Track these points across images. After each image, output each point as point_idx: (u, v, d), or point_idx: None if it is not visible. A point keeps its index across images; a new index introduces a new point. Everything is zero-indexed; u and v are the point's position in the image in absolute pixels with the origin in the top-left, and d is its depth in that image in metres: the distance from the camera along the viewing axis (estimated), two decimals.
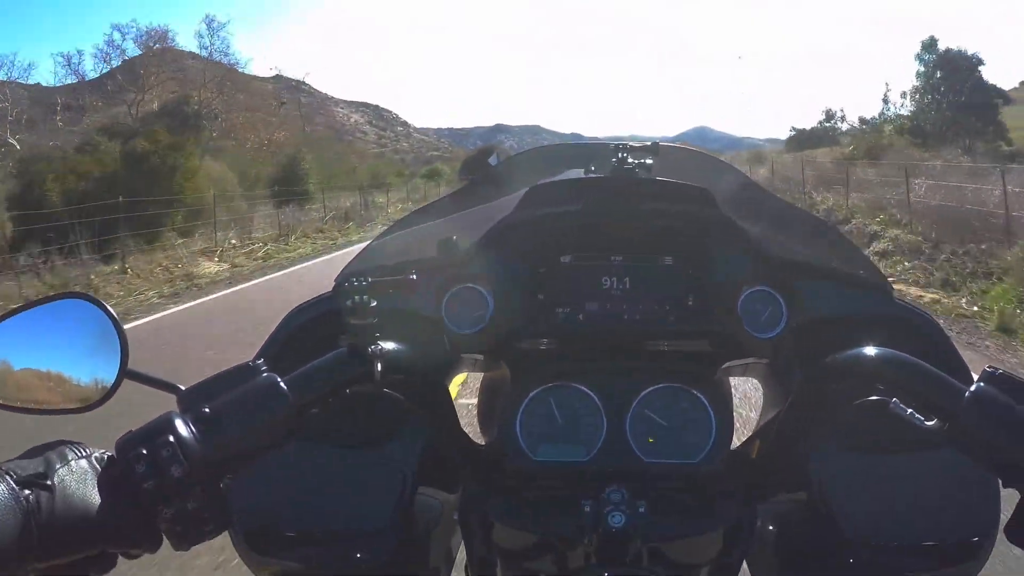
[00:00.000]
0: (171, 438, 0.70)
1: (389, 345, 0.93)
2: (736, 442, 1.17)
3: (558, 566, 1.02)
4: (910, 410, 0.82)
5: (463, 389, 5.01)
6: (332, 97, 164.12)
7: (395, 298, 0.97)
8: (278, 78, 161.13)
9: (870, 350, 0.90)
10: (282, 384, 0.80)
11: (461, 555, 1.17)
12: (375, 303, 0.89)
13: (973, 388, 0.78)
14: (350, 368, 0.88)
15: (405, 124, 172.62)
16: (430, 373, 1.11)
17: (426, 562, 1.11)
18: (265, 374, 0.82)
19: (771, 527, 1.11)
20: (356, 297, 0.88)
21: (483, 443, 1.23)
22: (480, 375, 1.42)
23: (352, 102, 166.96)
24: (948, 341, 1.12)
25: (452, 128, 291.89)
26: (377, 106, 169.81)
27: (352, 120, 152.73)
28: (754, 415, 1.43)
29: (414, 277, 0.94)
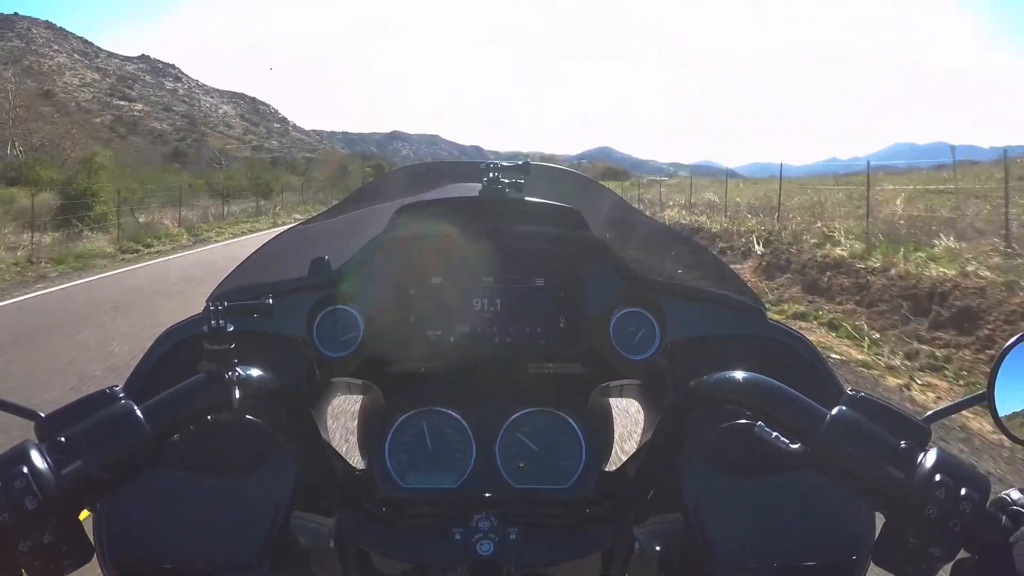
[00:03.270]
0: (24, 469, 0.69)
1: (250, 371, 0.91)
2: (620, 462, 1.21)
3: None
4: (775, 433, 0.82)
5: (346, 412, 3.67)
6: (204, 85, 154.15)
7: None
8: (144, 58, 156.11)
9: (736, 374, 0.90)
10: (138, 412, 0.78)
11: None
12: (232, 328, 0.85)
13: (834, 412, 0.79)
14: (207, 395, 0.85)
15: (284, 121, 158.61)
16: (294, 399, 1.08)
17: None
18: (122, 402, 0.80)
19: (655, 546, 1.05)
20: (213, 322, 0.84)
21: (361, 469, 1.21)
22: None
23: (226, 92, 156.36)
24: (821, 359, 1.12)
25: (347, 132, 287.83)
26: (254, 99, 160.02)
27: (220, 111, 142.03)
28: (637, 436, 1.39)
29: (270, 302, 0.92)
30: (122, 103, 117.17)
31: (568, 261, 1.18)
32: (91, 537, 0.84)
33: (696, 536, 0.95)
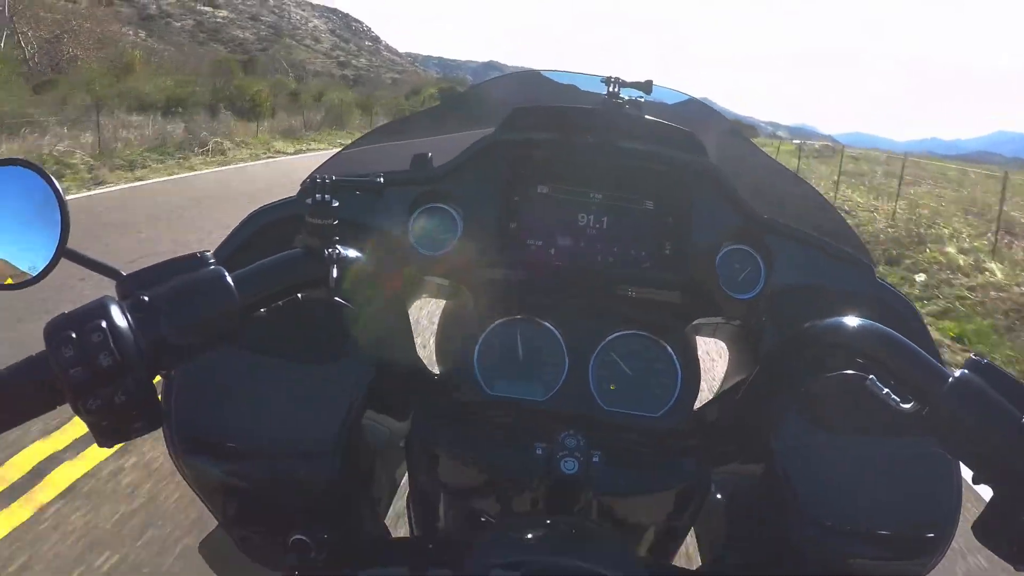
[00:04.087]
0: (103, 323, 0.64)
1: (349, 252, 0.87)
2: (698, 403, 1.13)
3: (502, 508, 0.98)
4: (887, 389, 0.76)
5: (422, 319, 4.48)
6: None
7: (360, 207, 1.01)
8: None
9: (852, 320, 0.85)
10: (228, 279, 0.72)
11: (405, 487, 1.15)
12: (337, 204, 0.81)
13: (958, 373, 0.73)
14: (304, 270, 0.80)
15: (376, 40, 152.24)
16: (390, 290, 1.03)
17: (369, 490, 1.06)
18: (212, 266, 0.73)
19: (721, 495, 1.08)
20: (318, 195, 0.81)
21: (438, 374, 1.20)
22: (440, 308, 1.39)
23: (319, 6, 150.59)
24: (925, 329, 1.07)
25: (443, 57, 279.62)
26: (347, 15, 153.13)
27: (310, 24, 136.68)
28: (713, 379, 1.35)
29: (381, 180, 0.91)
30: (206, 9, 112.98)
31: (680, 187, 1.13)
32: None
33: (779, 489, 0.91)
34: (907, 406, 0.75)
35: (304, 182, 0.97)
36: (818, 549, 0.89)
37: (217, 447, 0.90)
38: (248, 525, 0.94)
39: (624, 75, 1.21)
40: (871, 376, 0.77)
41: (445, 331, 1.33)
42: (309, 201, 0.80)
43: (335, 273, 0.79)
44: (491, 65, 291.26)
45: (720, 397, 1.20)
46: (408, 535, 1.19)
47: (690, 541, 1.15)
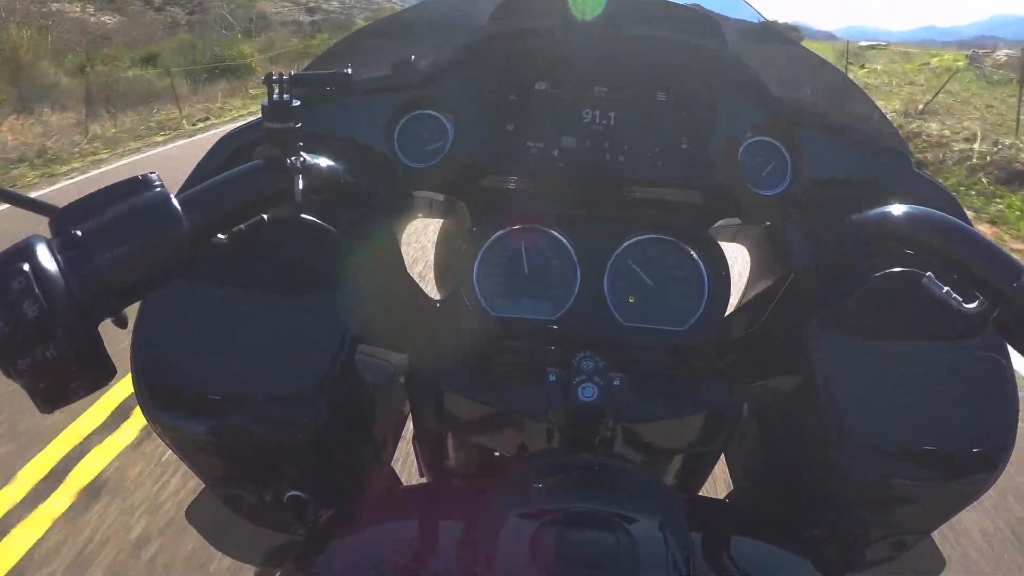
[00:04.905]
0: (26, 267, 0.54)
1: (319, 160, 0.78)
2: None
3: (516, 444, 0.91)
4: (947, 288, 0.69)
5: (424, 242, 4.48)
6: None
7: (336, 119, 0.94)
8: None
9: (901, 208, 0.77)
10: (175, 201, 0.62)
11: (411, 425, 1.10)
12: (299, 103, 0.72)
13: None
14: (264, 182, 0.70)
15: None
16: (371, 206, 0.94)
17: (369, 432, 0.99)
18: (156, 189, 0.63)
19: (754, 414, 0.97)
20: (275, 95, 0.71)
21: (438, 300, 1.09)
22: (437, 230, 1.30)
23: None
24: (971, 225, 0.91)
25: None
26: None
27: None
28: (734, 289, 1.17)
29: (349, 71, 0.83)
30: None
31: (697, 75, 1.02)
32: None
33: (818, 405, 0.85)
34: (972, 305, 0.67)
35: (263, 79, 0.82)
36: (862, 470, 0.83)
37: (191, 399, 0.81)
38: (236, 484, 0.86)
39: None
40: (928, 273, 0.70)
41: (443, 252, 1.22)
42: (265, 104, 0.70)
43: (300, 184, 0.70)
44: None
45: (746, 307, 1.09)
46: (418, 477, 1.10)
47: (720, 464, 1.10)
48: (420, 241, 4.75)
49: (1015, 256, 0.70)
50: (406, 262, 1.02)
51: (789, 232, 1.00)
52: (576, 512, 0.66)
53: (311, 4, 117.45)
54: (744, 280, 1.21)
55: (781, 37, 1.26)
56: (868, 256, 0.86)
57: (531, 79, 1.02)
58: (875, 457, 0.82)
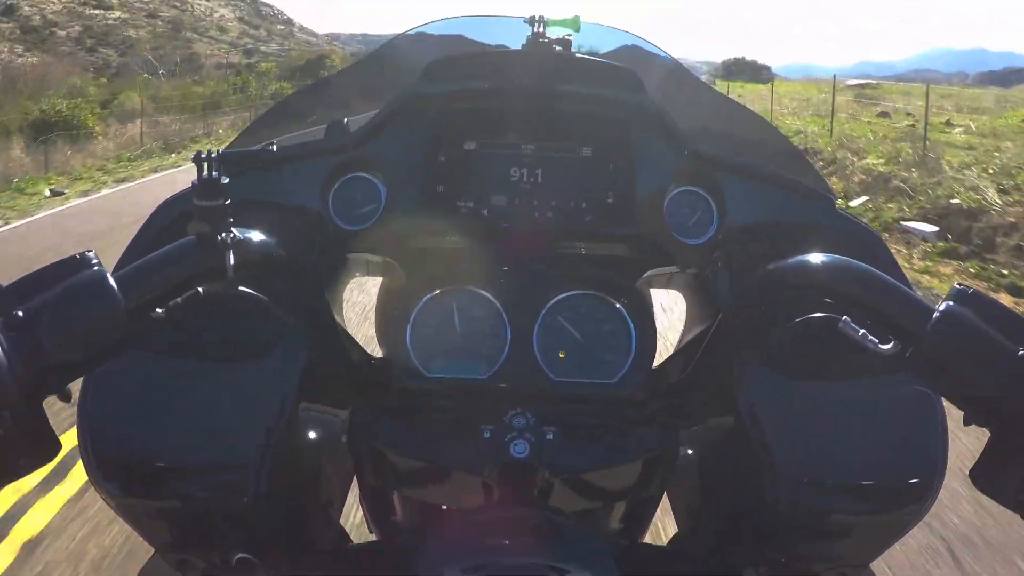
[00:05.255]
0: None
1: (250, 234, 0.79)
2: (656, 361, 1.06)
3: (458, 499, 0.95)
4: (863, 330, 0.71)
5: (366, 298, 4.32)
6: None
7: (272, 185, 0.95)
8: None
9: (818, 257, 0.79)
10: (111, 280, 0.65)
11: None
12: (227, 180, 0.73)
13: (942, 307, 0.67)
14: (196, 259, 0.72)
15: (289, 23, 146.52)
16: (304, 272, 0.95)
17: (316, 491, 1.00)
18: (94, 268, 0.66)
19: (693, 455, 1.03)
20: (204, 173, 0.72)
21: (379, 357, 1.11)
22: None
23: None
24: (894, 261, 1.00)
25: (367, 34, 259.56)
26: (256, 0, 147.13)
27: (216, 15, 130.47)
28: (672, 333, 1.30)
29: (274, 147, 0.85)
30: (96, 12, 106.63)
31: (620, 129, 1.05)
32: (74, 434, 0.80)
33: (751, 444, 0.86)
34: (887, 346, 0.69)
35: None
36: (797, 507, 0.84)
37: (137, 468, 0.83)
38: (185, 549, 0.86)
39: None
40: (844, 317, 0.72)
41: (382, 310, 1.23)
42: (195, 182, 0.72)
43: (231, 260, 0.71)
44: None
45: (682, 351, 1.12)
46: (367, 533, 1.14)
47: (665, 507, 1.11)
48: (372, 293, 4.27)
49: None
50: (352, 317, 1.15)
51: (716, 278, 1.01)
52: (507, 567, 0.68)
53: (249, 47, 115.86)
54: (683, 324, 1.24)
55: (703, 86, 1.31)
56: (790, 301, 0.88)
57: (460, 139, 1.04)
58: (807, 492, 0.83)
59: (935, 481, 0.84)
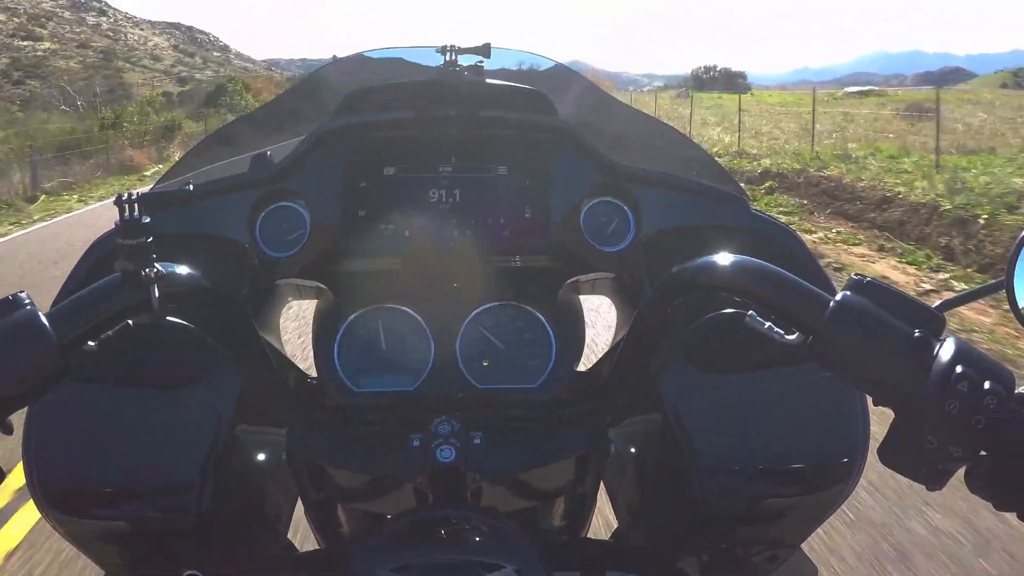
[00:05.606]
0: None
1: (175, 268, 0.83)
2: (592, 361, 1.16)
3: (398, 506, 0.98)
4: (768, 323, 0.74)
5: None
6: (133, 17, 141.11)
7: (201, 218, 1.00)
8: None
9: (722, 258, 0.81)
10: (42, 318, 0.70)
11: None
12: (148, 220, 0.76)
13: (839, 297, 0.70)
14: (122, 295, 0.76)
15: (225, 49, 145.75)
16: (231, 301, 0.99)
17: (261, 507, 1.03)
18: (26, 307, 0.70)
19: (630, 448, 1.06)
20: (126, 214, 0.76)
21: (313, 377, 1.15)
22: None
23: (160, 23, 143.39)
24: (809, 254, 1.06)
25: (306, 59, 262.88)
26: (191, 27, 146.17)
27: (150, 43, 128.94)
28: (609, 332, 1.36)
29: (191, 188, 0.87)
30: (25, 43, 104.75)
31: (534, 148, 1.12)
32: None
33: (675, 438, 0.90)
34: (791, 337, 0.72)
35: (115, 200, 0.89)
36: (725, 495, 0.87)
37: (82, 494, 0.86)
38: (135, 569, 0.89)
39: (493, 40, 1.19)
40: (750, 312, 0.75)
41: (315, 331, 1.23)
42: (118, 222, 0.75)
43: (156, 294, 0.75)
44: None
45: (610, 352, 1.17)
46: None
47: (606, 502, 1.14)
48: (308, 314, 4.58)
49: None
50: (293, 339, 1.59)
51: (635, 282, 1.10)
52: (435, 564, 0.71)
53: (183, 74, 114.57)
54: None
55: (615, 101, 1.37)
56: (700, 299, 0.93)
57: (379, 166, 1.09)
58: (733, 480, 0.88)
59: (858, 461, 0.88)
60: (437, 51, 1.15)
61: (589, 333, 1.27)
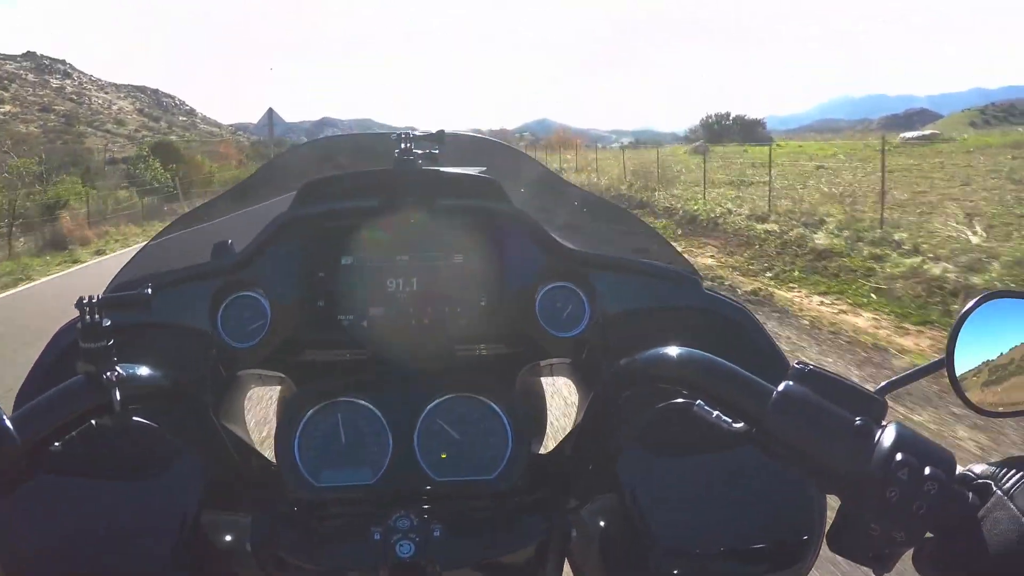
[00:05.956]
0: None
1: (135, 369, 0.85)
2: (557, 440, 1.16)
3: None
4: (716, 412, 0.76)
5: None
6: (98, 80, 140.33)
7: (163, 308, 1.00)
8: (30, 55, 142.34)
9: (671, 350, 0.83)
10: (7, 421, 0.73)
11: None
12: (109, 323, 0.79)
13: (780, 387, 0.71)
14: (85, 398, 0.78)
15: (191, 113, 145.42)
16: (192, 396, 1.01)
17: None
18: None
19: (598, 525, 1.04)
20: (87, 318, 0.78)
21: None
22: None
23: (125, 86, 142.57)
24: (763, 331, 1.08)
25: (276, 121, 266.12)
26: (157, 91, 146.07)
27: (115, 107, 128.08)
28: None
29: (148, 292, 0.87)
30: None
31: (488, 235, 1.13)
32: None
33: (635, 521, 0.91)
34: (738, 426, 0.73)
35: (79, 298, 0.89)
36: (675, 572, 0.89)
37: None
38: None
39: (454, 106, 1.18)
40: (698, 402, 0.76)
41: (277, 422, 1.23)
42: (80, 325, 0.77)
43: (117, 397, 0.77)
44: (325, 122, 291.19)
45: (569, 436, 1.15)
46: None
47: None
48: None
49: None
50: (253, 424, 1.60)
51: (591, 366, 1.10)
52: None
53: (146, 138, 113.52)
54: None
55: (569, 185, 1.38)
56: (653, 387, 0.93)
57: (337, 255, 1.11)
58: (693, 563, 0.89)
59: (815, 540, 0.88)
60: (393, 138, 1.18)
61: (558, 411, 1.33)
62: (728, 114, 64.57)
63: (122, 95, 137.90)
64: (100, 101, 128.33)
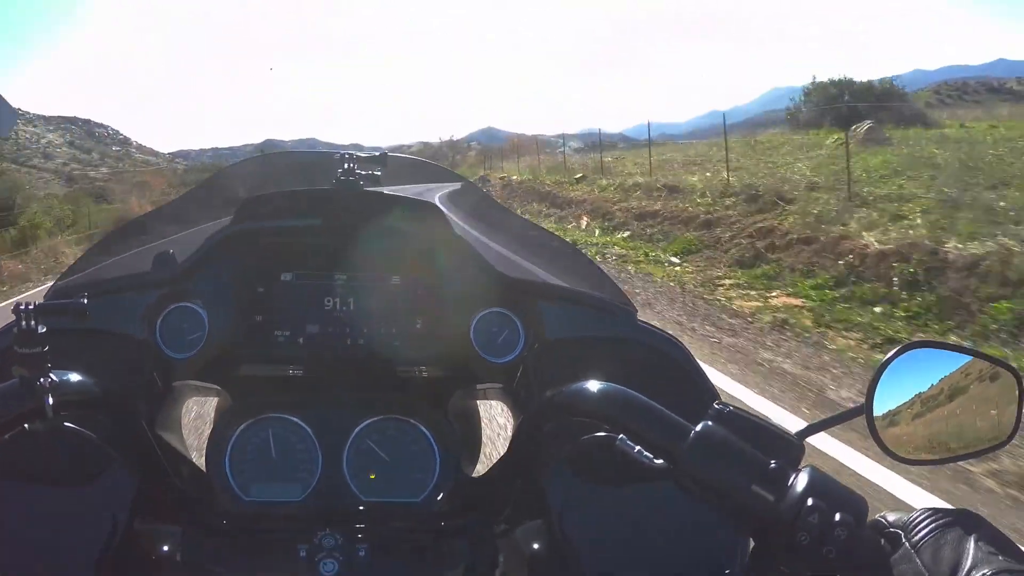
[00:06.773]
0: None
1: (69, 376, 0.85)
2: (483, 469, 1.17)
3: None
4: (638, 448, 0.76)
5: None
6: (27, 113, 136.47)
7: (101, 315, 1.00)
8: None
9: (593, 385, 0.84)
10: None
11: None
12: (44, 329, 0.79)
13: (698, 428, 0.72)
14: (17, 402, 0.79)
15: (125, 143, 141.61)
16: (124, 406, 0.99)
17: None
18: None
19: (531, 547, 1.03)
20: (23, 323, 0.78)
21: None
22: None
23: (55, 118, 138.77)
24: (694, 363, 1.09)
25: (217, 148, 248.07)
26: (88, 121, 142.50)
27: (44, 140, 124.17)
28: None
29: (84, 301, 0.86)
30: None
31: (426, 258, 1.14)
32: None
33: (562, 548, 0.92)
34: (658, 462, 0.74)
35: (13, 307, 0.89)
36: None
37: None
38: None
39: (401, 120, 1.21)
40: (620, 436, 0.77)
41: (210, 434, 1.24)
42: (15, 330, 0.78)
43: (50, 402, 0.78)
44: (268, 144, 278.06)
45: (501, 461, 1.14)
46: None
47: None
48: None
49: None
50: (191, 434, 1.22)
51: (523, 392, 1.11)
52: None
53: (75, 172, 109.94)
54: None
55: (509, 212, 1.41)
56: (577, 420, 0.92)
57: (276, 272, 1.11)
58: None
59: (738, 573, 0.88)
60: (336, 158, 1.18)
61: (494, 434, 1.31)
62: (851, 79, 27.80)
63: (51, 128, 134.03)
64: (27, 135, 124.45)
